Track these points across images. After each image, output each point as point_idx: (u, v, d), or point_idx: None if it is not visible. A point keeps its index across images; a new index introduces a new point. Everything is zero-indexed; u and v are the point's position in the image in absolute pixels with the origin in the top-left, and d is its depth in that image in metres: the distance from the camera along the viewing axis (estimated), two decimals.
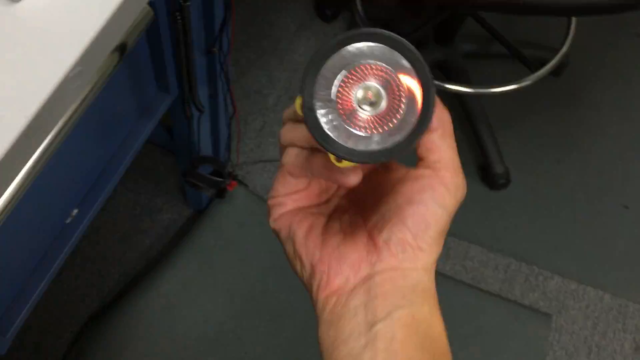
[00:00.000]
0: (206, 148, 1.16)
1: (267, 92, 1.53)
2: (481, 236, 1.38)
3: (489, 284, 1.34)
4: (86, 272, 1.30)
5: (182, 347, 1.21)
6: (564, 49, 1.43)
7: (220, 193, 1.25)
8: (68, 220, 0.83)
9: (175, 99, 0.94)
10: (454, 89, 1.39)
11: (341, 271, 0.37)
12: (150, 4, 0.68)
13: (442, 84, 1.37)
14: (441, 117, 0.37)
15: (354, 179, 0.34)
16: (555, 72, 1.50)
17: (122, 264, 1.32)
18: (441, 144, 0.37)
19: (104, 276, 1.30)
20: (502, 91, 1.40)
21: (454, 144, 0.37)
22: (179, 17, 0.74)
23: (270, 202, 0.41)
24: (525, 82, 1.39)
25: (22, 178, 0.56)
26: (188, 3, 0.72)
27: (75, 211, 0.83)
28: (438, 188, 0.36)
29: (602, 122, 1.54)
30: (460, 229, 1.38)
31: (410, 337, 0.35)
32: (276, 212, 0.40)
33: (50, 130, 0.56)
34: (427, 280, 0.36)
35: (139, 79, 0.86)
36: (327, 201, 0.42)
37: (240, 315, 1.25)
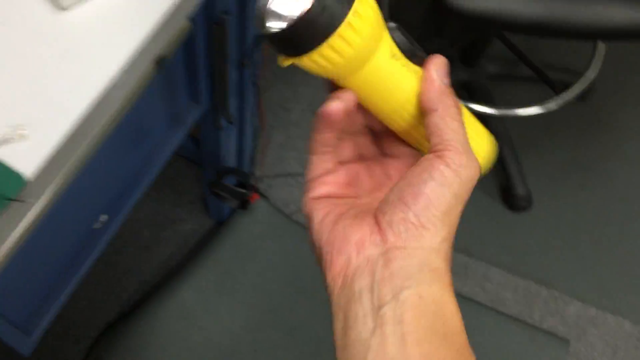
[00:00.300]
0: (230, 160, 1.17)
1: (290, 107, 1.54)
2: (501, 258, 1.38)
3: (508, 306, 1.33)
4: (106, 279, 1.31)
5: (199, 358, 1.22)
6: (590, 73, 1.43)
7: (243, 204, 1.26)
8: (97, 226, 0.84)
9: (205, 109, 0.95)
10: (478, 110, 1.39)
11: (344, 250, 0.37)
12: (190, 17, 0.69)
13: (466, 103, 1.37)
14: (441, 98, 0.37)
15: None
16: (581, 96, 1.49)
17: (142, 272, 1.33)
18: (442, 124, 0.37)
19: (124, 284, 1.31)
20: (527, 114, 1.40)
21: (456, 126, 0.37)
22: (217, 30, 0.75)
23: (305, 186, 0.42)
24: (550, 106, 1.39)
25: (61, 180, 0.57)
26: (228, 16, 0.73)
27: (104, 217, 0.84)
28: (438, 167, 0.36)
29: (627, 149, 1.53)
30: (480, 249, 1.37)
31: (419, 319, 0.34)
32: (306, 196, 0.41)
33: (91, 136, 0.57)
34: (436, 260, 0.35)
35: (172, 89, 0.87)
36: (358, 197, 0.42)
37: (257, 327, 1.25)
